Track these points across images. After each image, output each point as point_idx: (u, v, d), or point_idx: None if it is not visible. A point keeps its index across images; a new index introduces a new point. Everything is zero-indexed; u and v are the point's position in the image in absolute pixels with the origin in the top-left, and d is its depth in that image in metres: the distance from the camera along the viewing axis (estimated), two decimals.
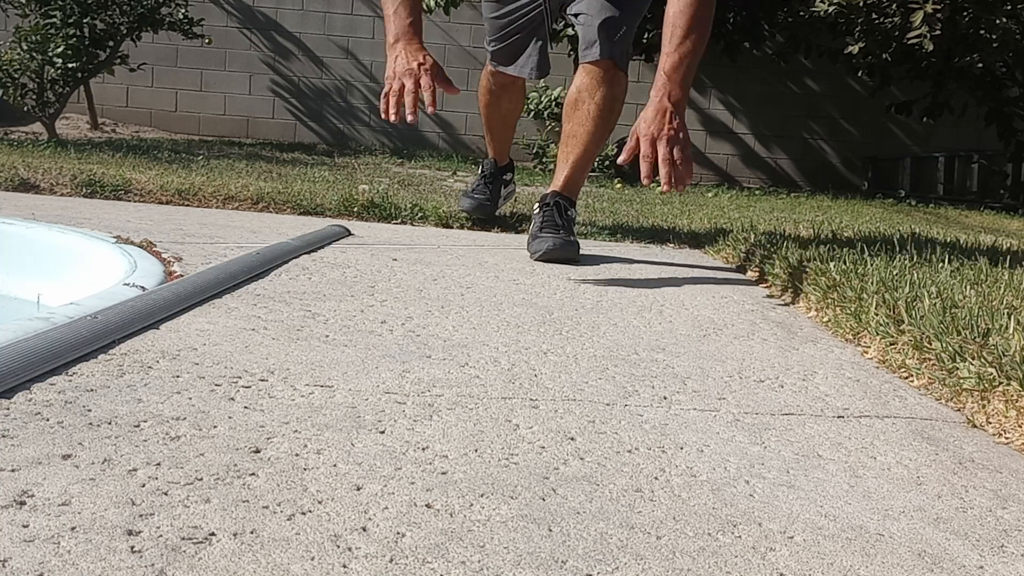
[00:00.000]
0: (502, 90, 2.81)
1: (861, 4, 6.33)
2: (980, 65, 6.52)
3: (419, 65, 2.02)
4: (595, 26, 2.46)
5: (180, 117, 8.13)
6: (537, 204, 2.53)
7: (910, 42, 6.15)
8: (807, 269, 2.04)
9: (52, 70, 6.07)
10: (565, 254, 2.32)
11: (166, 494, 0.73)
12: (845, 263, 2.06)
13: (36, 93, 6.15)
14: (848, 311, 1.64)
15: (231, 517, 0.70)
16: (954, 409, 1.21)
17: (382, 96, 2.01)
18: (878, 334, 1.49)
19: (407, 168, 6.20)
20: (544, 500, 0.79)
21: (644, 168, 1.86)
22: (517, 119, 3.01)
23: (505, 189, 3.10)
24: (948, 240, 2.99)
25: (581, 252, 2.41)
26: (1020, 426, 1.09)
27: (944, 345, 1.31)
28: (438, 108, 1.97)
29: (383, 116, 1.98)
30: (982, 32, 6.20)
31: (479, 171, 3.10)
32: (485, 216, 2.99)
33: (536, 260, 2.32)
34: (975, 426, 1.14)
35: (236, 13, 8.13)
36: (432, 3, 6.70)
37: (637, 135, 1.93)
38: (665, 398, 1.15)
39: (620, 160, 1.94)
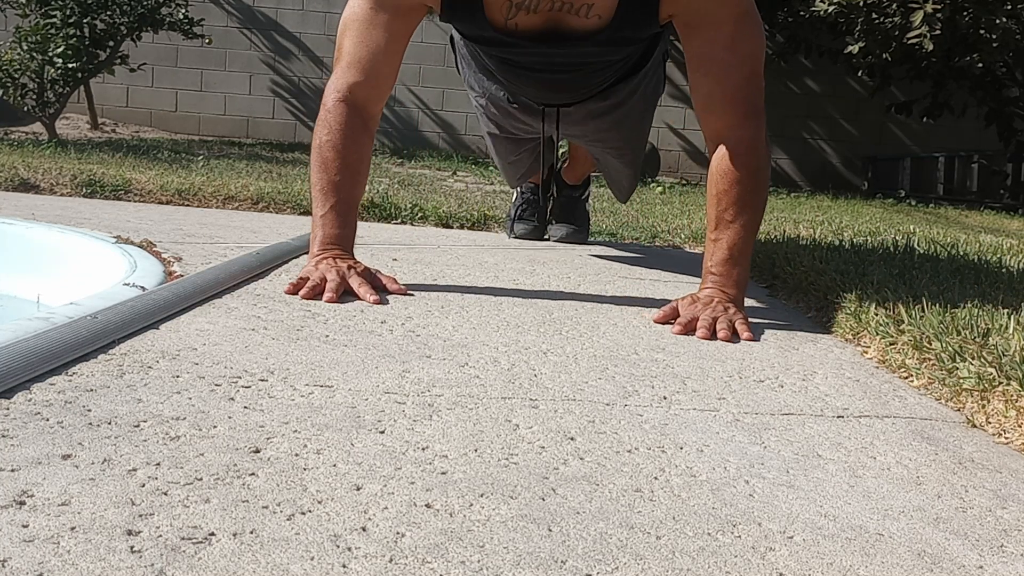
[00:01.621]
0: None
1: (861, 4, 6.34)
2: (980, 65, 6.52)
3: (349, 267, 1.63)
4: (612, 185, 2.63)
5: (180, 117, 8.14)
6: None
7: (910, 42, 6.15)
8: (807, 269, 2.04)
9: (52, 70, 6.07)
10: (576, 240, 2.79)
11: (166, 494, 0.73)
12: (845, 263, 2.06)
13: (36, 93, 6.15)
14: (848, 311, 1.64)
15: (231, 517, 0.70)
16: (954, 409, 1.21)
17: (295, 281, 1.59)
18: (878, 334, 1.49)
19: (407, 168, 6.20)
20: (544, 500, 0.79)
21: (677, 329, 1.54)
22: None
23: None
24: (948, 240, 2.99)
25: (581, 252, 2.42)
26: (1020, 426, 1.09)
27: (944, 345, 1.31)
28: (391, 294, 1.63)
29: (291, 291, 1.57)
30: (982, 32, 6.20)
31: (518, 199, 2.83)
32: (539, 237, 2.82)
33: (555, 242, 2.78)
34: (975, 426, 1.14)
35: (236, 13, 8.14)
36: None
37: (675, 310, 1.61)
38: (665, 398, 1.15)
39: (655, 319, 1.61)
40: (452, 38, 2.16)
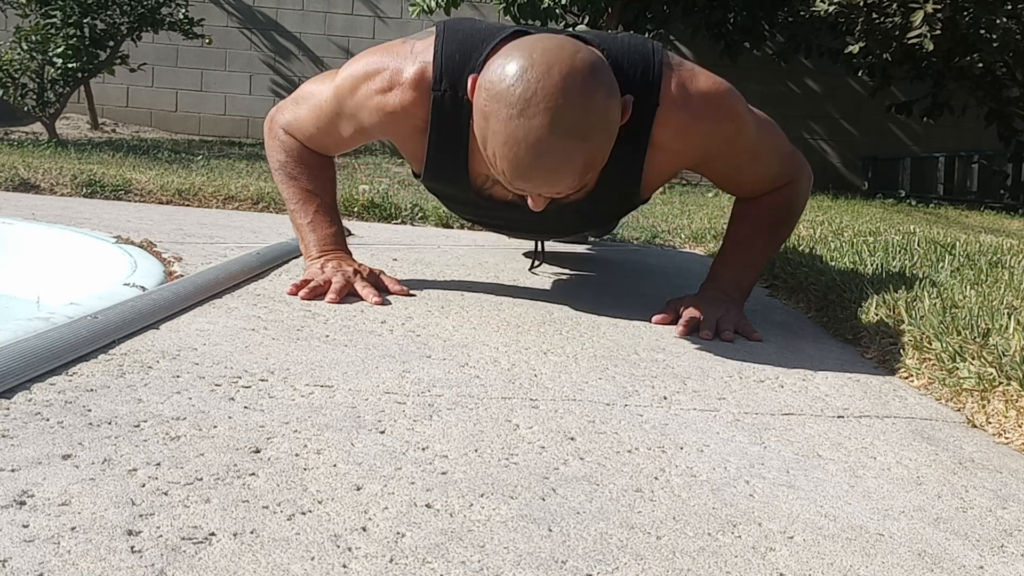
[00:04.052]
0: None
1: (861, 4, 6.34)
2: (980, 65, 6.53)
3: (355, 271, 1.61)
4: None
5: (180, 117, 8.14)
6: None
7: (910, 42, 6.15)
8: (807, 269, 2.04)
9: (52, 70, 6.08)
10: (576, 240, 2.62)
11: (166, 494, 0.73)
12: (845, 263, 2.06)
13: (36, 93, 6.16)
14: (848, 311, 1.64)
15: (231, 517, 0.70)
16: (954, 409, 1.21)
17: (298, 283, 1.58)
18: (878, 334, 1.49)
19: (407, 168, 6.20)
20: (544, 500, 0.79)
21: (680, 331, 1.53)
22: None
23: None
24: (948, 240, 2.99)
25: (582, 252, 2.42)
26: (1020, 426, 1.09)
27: (944, 345, 1.31)
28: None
29: (293, 292, 1.57)
30: (982, 32, 6.20)
31: None
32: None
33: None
34: (975, 426, 1.14)
35: (236, 13, 8.14)
36: (432, 3, 6.71)
37: (676, 310, 1.60)
38: (665, 398, 1.15)
39: (655, 320, 1.59)
40: None
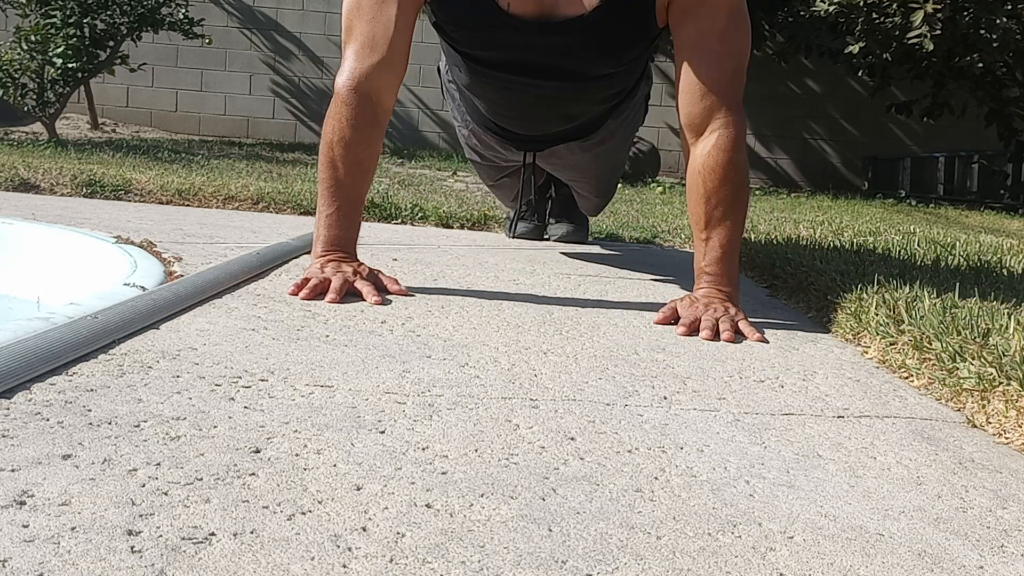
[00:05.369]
0: None
1: (861, 4, 6.34)
2: (980, 65, 6.53)
3: (354, 271, 1.63)
4: (581, 202, 2.64)
5: (180, 117, 8.14)
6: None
7: (910, 42, 6.16)
8: (807, 269, 2.04)
9: (52, 70, 6.08)
10: (576, 239, 2.76)
11: (166, 494, 0.73)
12: (845, 263, 2.06)
13: (36, 93, 6.16)
14: (848, 311, 1.64)
15: (231, 517, 0.70)
16: (954, 409, 1.21)
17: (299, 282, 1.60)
18: (878, 334, 1.49)
19: (407, 168, 6.21)
20: (544, 500, 0.79)
21: (681, 331, 1.54)
22: None
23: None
24: (948, 240, 2.99)
25: (581, 252, 2.43)
26: (1020, 426, 1.09)
27: (944, 345, 1.31)
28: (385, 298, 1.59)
29: (294, 292, 1.57)
30: (982, 32, 6.20)
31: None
32: (539, 237, 2.83)
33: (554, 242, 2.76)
34: (975, 426, 1.14)
35: (236, 13, 8.14)
36: None
37: (675, 311, 1.62)
38: (665, 398, 1.15)
39: (655, 320, 1.61)
40: (439, 68, 2.21)
